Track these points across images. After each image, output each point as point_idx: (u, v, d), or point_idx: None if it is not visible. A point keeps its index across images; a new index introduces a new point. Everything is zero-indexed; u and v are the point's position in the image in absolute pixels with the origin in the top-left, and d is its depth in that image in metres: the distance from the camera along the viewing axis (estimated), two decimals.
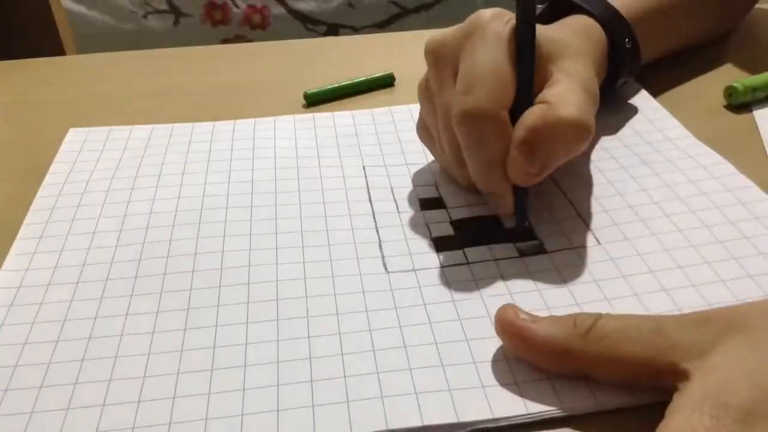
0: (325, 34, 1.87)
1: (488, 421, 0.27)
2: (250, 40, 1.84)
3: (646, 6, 0.46)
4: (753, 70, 0.51)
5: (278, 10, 1.86)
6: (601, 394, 0.27)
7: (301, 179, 0.42)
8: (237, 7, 1.85)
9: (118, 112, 0.52)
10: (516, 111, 0.34)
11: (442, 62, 0.37)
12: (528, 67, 0.35)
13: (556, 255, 0.35)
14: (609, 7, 0.44)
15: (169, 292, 0.34)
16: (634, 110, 0.47)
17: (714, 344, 0.24)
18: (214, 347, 0.31)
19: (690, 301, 0.31)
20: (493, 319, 0.30)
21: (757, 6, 0.59)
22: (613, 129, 0.45)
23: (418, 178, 0.42)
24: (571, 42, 0.38)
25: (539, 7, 0.45)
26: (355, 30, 1.90)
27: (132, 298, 0.33)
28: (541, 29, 0.37)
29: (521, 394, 0.28)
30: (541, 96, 0.34)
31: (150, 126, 0.48)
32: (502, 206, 0.36)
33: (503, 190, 0.35)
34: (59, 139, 0.48)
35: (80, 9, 1.79)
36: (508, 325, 0.29)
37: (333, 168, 0.43)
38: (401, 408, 0.27)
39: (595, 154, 0.43)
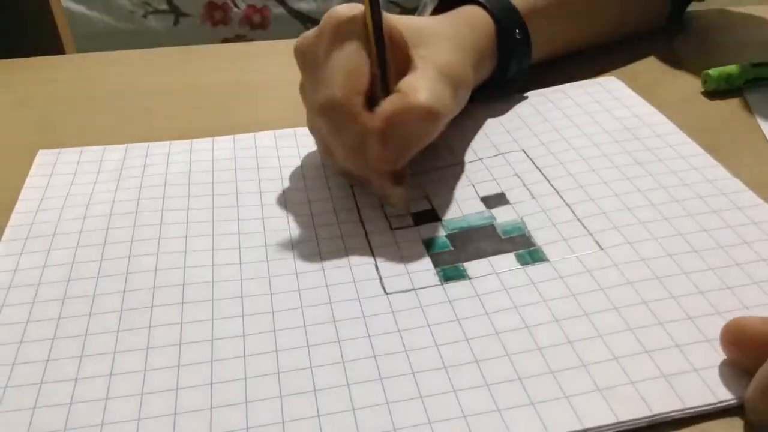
0: None
1: None
2: (250, 40, 1.84)
3: (537, 2, 0.47)
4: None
5: (278, 10, 1.86)
6: None
7: (289, 204, 0.40)
8: (237, 7, 1.85)
9: (118, 112, 0.52)
10: (376, 101, 0.36)
11: (307, 63, 0.39)
12: (380, 57, 0.37)
13: (558, 263, 0.34)
14: (504, 3, 0.46)
15: (158, 326, 0.32)
16: (619, 106, 0.47)
17: None
18: (211, 384, 0.29)
19: (699, 310, 0.31)
20: (500, 338, 0.30)
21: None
22: (601, 124, 0.45)
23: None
24: (439, 29, 0.40)
25: (430, 5, 0.48)
26: None
27: (119, 334, 0.32)
28: (404, 19, 0.39)
29: (542, 418, 0.27)
30: (398, 85, 0.36)
31: (123, 146, 0.46)
32: (375, 190, 0.38)
33: (369, 174, 0.37)
34: (59, 139, 0.48)
35: (80, 9, 1.79)
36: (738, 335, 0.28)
37: (320, 190, 0.41)
38: None
39: (587, 152, 0.43)
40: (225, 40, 1.85)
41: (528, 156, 0.42)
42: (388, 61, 0.37)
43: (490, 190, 0.40)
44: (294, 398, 0.28)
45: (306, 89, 0.40)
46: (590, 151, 0.42)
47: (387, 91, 0.37)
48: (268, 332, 0.31)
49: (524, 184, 0.40)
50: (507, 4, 0.46)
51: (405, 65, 0.38)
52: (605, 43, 0.54)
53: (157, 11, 1.84)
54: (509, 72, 0.46)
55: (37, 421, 0.28)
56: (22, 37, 1.17)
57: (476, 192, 0.40)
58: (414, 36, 0.38)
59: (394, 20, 0.38)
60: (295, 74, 0.57)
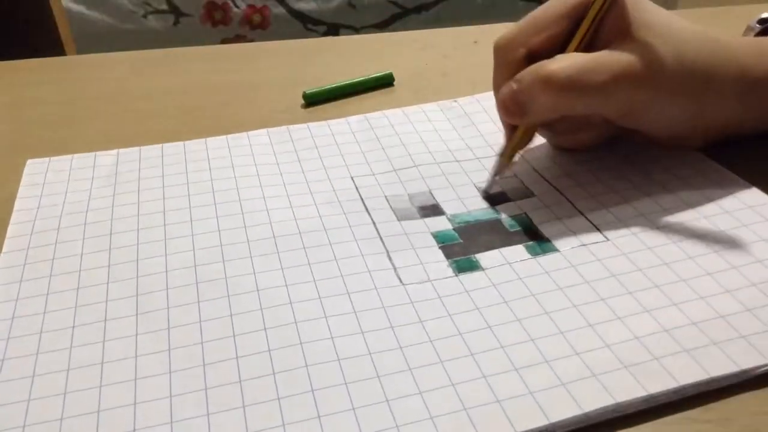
0: (325, 34, 1.88)
1: (544, 427, 0.26)
2: (250, 40, 1.84)
3: None
4: None
5: (278, 10, 1.86)
6: None
7: (291, 195, 0.40)
8: (237, 7, 1.85)
9: (118, 111, 0.52)
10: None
11: (505, 62, 0.39)
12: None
13: (568, 253, 0.35)
14: None
15: (177, 327, 0.32)
16: None
17: None
18: (240, 381, 0.29)
19: (710, 290, 0.32)
20: (522, 324, 0.31)
21: None
22: None
23: (410, 185, 0.41)
24: (675, 40, 0.36)
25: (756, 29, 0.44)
26: (355, 30, 1.90)
27: (138, 338, 0.31)
28: (650, 10, 0.37)
29: (574, 396, 0.28)
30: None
31: (115, 151, 0.45)
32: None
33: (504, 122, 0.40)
34: (59, 140, 0.48)
35: (80, 9, 1.79)
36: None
37: (321, 182, 0.42)
38: (452, 428, 0.27)
39: (583, 154, 0.43)
40: (225, 40, 1.85)
41: (524, 158, 0.43)
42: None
43: (491, 189, 0.41)
44: (325, 392, 0.28)
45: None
46: (586, 154, 0.43)
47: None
48: (289, 324, 0.32)
49: (524, 184, 0.41)
50: None
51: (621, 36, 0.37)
52: None
53: (157, 11, 1.84)
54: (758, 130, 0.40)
55: (66, 429, 0.27)
56: (22, 38, 1.17)
57: (477, 190, 0.41)
58: (633, 30, 0.36)
59: (634, 6, 0.37)
60: (294, 74, 0.56)
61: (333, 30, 1.89)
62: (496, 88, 0.39)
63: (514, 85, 0.37)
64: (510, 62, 0.38)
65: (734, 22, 0.58)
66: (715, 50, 0.37)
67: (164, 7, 1.84)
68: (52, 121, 0.51)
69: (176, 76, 0.58)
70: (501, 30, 0.40)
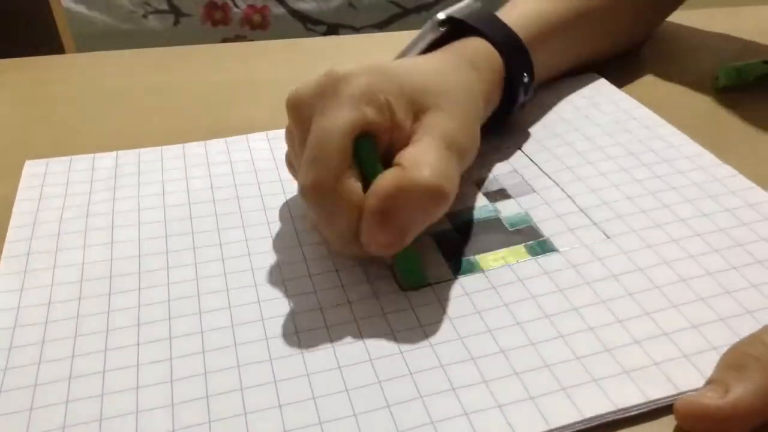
0: (325, 34, 1.87)
1: None
2: (250, 40, 1.84)
3: (540, 28, 0.45)
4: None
5: (278, 10, 1.86)
6: None
7: (291, 205, 0.40)
8: (237, 7, 1.85)
9: (118, 111, 0.52)
10: (369, 176, 0.32)
11: (299, 120, 0.34)
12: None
13: (568, 253, 0.35)
14: (508, 33, 0.42)
15: (179, 337, 0.32)
16: (605, 101, 0.48)
17: None
18: (241, 389, 0.29)
19: (710, 291, 0.32)
20: (523, 328, 0.30)
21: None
22: (591, 119, 0.46)
23: None
24: (445, 83, 0.36)
25: (437, 31, 0.43)
26: (355, 30, 1.90)
27: (140, 347, 0.31)
28: (412, 68, 0.36)
29: (573, 400, 0.27)
30: (396, 158, 0.32)
31: (114, 153, 0.45)
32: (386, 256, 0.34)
33: (366, 257, 0.33)
34: (59, 139, 0.48)
35: (80, 9, 1.79)
36: (709, 415, 0.25)
37: None
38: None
39: (580, 145, 0.43)
40: (225, 40, 1.85)
41: (524, 152, 0.43)
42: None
43: (491, 186, 0.41)
44: (326, 399, 0.28)
45: (295, 149, 0.36)
46: (583, 145, 0.43)
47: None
48: (291, 334, 0.31)
49: (524, 179, 0.41)
50: (513, 40, 0.42)
51: (404, 134, 0.34)
52: (604, 60, 0.53)
53: (157, 11, 1.84)
54: (512, 112, 0.44)
55: None
56: (22, 37, 1.17)
57: (476, 187, 0.40)
58: (419, 97, 0.34)
59: (401, 83, 0.34)
60: (294, 74, 0.57)
61: (333, 30, 1.89)
62: (329, 233, 0.33)
63: (374, 220, 0.31)
64: (341, 206, 0.32)
65: (741, 23, 0.58)
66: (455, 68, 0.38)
67: (164, 7, 1.84)
68: (52, 120, 0.51)
69: (176, 76, 0.58)
70: None
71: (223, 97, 0.54)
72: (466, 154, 0.35)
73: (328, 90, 0.33)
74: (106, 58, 0.62)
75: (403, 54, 0.45)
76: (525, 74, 0.42)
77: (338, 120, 0.32)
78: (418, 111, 0.34)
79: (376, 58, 0.58)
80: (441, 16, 0.43)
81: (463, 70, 0.39)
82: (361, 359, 0.30)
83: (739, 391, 0.25)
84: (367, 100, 0.32)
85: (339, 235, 0.33)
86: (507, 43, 0.42)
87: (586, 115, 0.46)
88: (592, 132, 0.44)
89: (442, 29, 0.43)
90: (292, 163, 0.39)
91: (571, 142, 0.43)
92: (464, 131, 0.35)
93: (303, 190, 0.32)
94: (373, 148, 0.33)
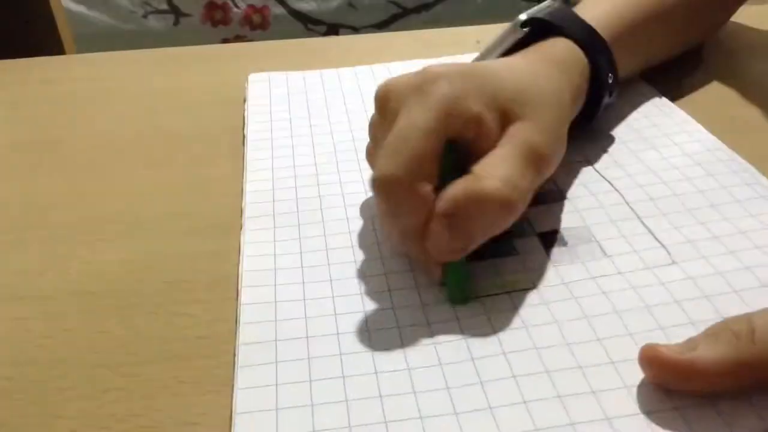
0: (325, 34, 1.87)
1: None
2: (250, 40, 1.84)
3: (619, 27, 0.44)
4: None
5: (278, 10, 1.86)
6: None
7: None
8: (237, 7, 1.85)
9: (118, 111, 0.52)
10: (446, 180, 0.32)
11: (385, 111, 0.34)
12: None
13: (629, 275, 0.33)
14: (591, 33, 0.42)
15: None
16: (661, 118, 0.46)
17: None
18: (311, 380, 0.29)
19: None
20: (571, 349, 0.29)
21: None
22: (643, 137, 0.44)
23: None
24: (537, 90, 0.36)
25: (521, 32, 0.42)
26: (355, 30, 1.90)
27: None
28: (507, 74, 0.36)
29: (654, 424, 0.26)
30: (474, 166, 0.32)
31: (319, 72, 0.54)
32: (428, 274, 0.34)
33: (421, 259, 0.33)
34: (59, 139, 0.48)
35: (80, 9, 1.79)
36: (668, 364, 0.26)
37: None
38: None
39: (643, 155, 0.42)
40: (225, 40, 1.85)
41: (591, 164, 0.42)
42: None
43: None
44: (392, 399, 0.28)
45: (377, 140, 0.36)
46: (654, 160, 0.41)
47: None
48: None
49: (589, 192, 0.39)
50: (596, 39, 0.41)
51: (491, 140, 0.33)
52: (668, 60, 0.52)
53: (157, 11, 1.84)
54: (597, 114, 0.43)
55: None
56: (22, 37, 1.17)
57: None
58: (510, 104, 0.34)
59: (494, 89, 0.34)
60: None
61: (333, 30, 1.89)
62: (394, 228, 0.34)
63: (442, 223, 0.31)
64: (414, 203, 0.32)
65: (746, 23, 0.58)
66: (544, 71, 0.38)
67: (164, 7, 1.84)
68: (51, 120, 0.51)
69: (176, 76, 0.58)
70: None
71: (223, 97, 0.54)
72: (548, 165, 0.34)
73: (421, 88, 0.33)
74: (106, 58, 0.62)
75: (483, 56, 0.43)
76: (610, 75, 0.42)
77: (424, 121, 0.32)
78: (507, 120, 0.34)
79: (376, 58, 0.58)
80: (523, 17, 0.42)
81: (554, 75, 0.38)
82: (431, 363, 0.30)
83: (702, 353, 0.26)
84: (457, 109, 0.33)
85: (401, 232, 0.33)
86: (592, 43, 0.41)
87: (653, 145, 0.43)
88: (661, 142, 0.43)
89: (524, 30, 0.42)
90: (371, 154, 0.39)
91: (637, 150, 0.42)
92: (550, 142, 0.34)
93: (376, 181, 0.32)
94: (454, 155, 0.33)
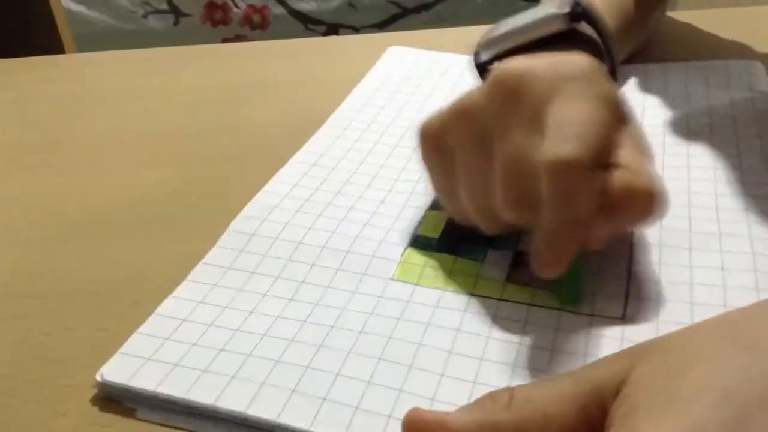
0: (325, 34, 1.88)
1: None
2: (250, 40, 1.84)
3: (622, 19, 0.45)
4: None
5: (278, 10, 1.86)
6: None
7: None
8: (237, 7, 1.85)
9: (118, 111, 0.52)
10: None
11: (523, 100, 0.32)
12: None
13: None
14: (611, 35, 0.40)
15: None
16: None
17: (630, 371, 0.22)
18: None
19: None
20: None
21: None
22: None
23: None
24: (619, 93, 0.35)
25: (560, 21, 0.39)
26: (355, 30, 1.90)
27: None
28: (601, 83, 0.34)
29: None
30: (619, 158, 0.31)
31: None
32: (554, 265, 0.31)
33: (570, 253, 0.31)
34: (59, 139, 0.48)
35: (80, 9, 1.79)
36: (421, 423, 0.24)
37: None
38: None
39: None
40: (225, 40, 1.85)
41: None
42: None
43: None
44: None
45: (480, 127, 0.33)
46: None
47: None
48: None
49: None
50: (611, 44, 0.40)
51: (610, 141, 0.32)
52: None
53: (157, 11, 1.84)
54: None
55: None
56: (22, 37, 1.17)
57: None
58: (624, 107, 0.33)
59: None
60: (294, 74, 0.56)
61: (333, 30, 1.89)
62: (557, 216, 0.30)
63: (555, 214, 0.30)
64: (592, 188, 0.30)
65: (740, 25, 0.58)
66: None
67: (164, 7, 1.84)
68: (51, 120, 0.51)
69: (176, 76, 0.58)
70: None
71: (223, 97, 0.54)
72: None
73: (574, 77, 0.32)
74: (106, 58, 0.62)
75: (505, 38, 0.40)
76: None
77: (601, 110, 0.31)
78: (620, 119, 0.33)
79: (376, 58, 0.58)
80: (565, 8, 0.39)
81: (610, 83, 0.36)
82: None
83: (456, 413, 0.24)
84: (621, 102, 0.33)
85: (571, 220, 0.31)
86: (609, 50, 0.40)
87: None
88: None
89: (562, 23, 0.39)
90: (443, 191, 0.36)
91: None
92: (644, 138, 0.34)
93: (556, 163, 0.29)
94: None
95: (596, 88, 0.32)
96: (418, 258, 0.35)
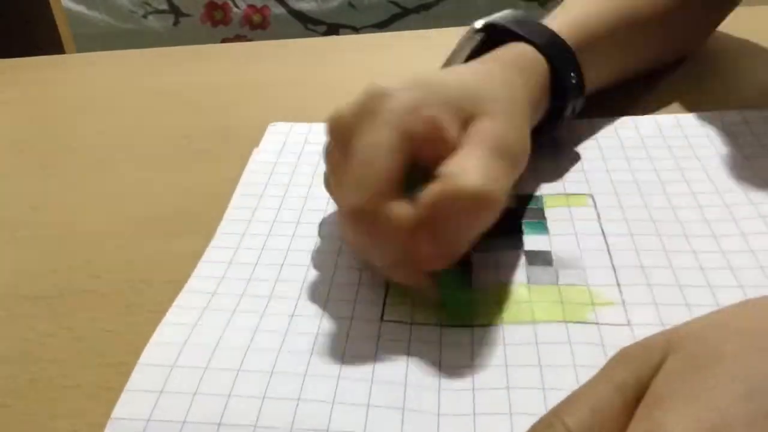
0: (325, 34, 1.87)
1: None
2: (250, 40, 1.84)
3: (587, 32, 0.43)
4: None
5: (278, 10, 1.86)
6: None
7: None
8: (237, 7, 1.85)
9: (118, 112, 0.52)
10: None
11: (341, 141, 0.32)
12: None
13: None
14: (552, 36, 0.41)
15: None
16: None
17: (663, 361, 0.22)
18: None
19: None
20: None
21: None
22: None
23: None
24: (490, 88, 0.35)
25: (475, 39, 0.42)
26: (355, 30, 1.90)
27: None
28: (454, 77, 0.35)
29: None
30: (440, 168, 0.30)
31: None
32: (425, 296, 0.32)
33: (419, 281, 0.31)
34: (59, 139, 0.48)
35: (80, 9, 1.79)
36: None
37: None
38: None
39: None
40: (225, 40, 1.85)
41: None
42: None
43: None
44: None
45: (334, 171, 0.34)
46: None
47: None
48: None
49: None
50: (557, 41, 0.41)
51: (450, 144, 0.32)
52: (647, 72, 0.51)
53: (157, 11, 1.84)
54: (563, 117, 0.42)
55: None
56: (22, 37, 1.17)
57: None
58: (465, 104, 0.33)
59: (447, 93, 0.33)
60: (295, 74, 0.57)
61: (333, 30, 1.89)
62: (375, 255, 0.32)
63: (423, 233, 0.30)
64: (387, 228, 0.30)
65: (737, 26, 0.58)
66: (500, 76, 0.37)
67: (164, 7, 1.84)
68: (52, 121, 0.51)
69: (176, 76, 0.58)
70: None
71: (223, 97, 0.54)
72: (517, 157, 0.33)
73: (370, 108, 0.31)
74: (106, 58, 0.62)
75: (447, 64, 0.43)
76: (573, 74, 0.41)
77: (383, 139, 0.30)
78: (464, 120, 0.32)
79: (376, 58, 0.58)
80: (478, 24, 0.42)
81: (507, 74, 0.37)
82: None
83: None
84: (412, 117, 0.31)
85: (387, 261, 0.31)
86: (550, 44, 0.40)
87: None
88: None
89: (478, 36, 0.42)
90: (330, 184, 0.36)
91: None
92: (513, 134, 0.33)
93: (345, 215, 0.31)
94: (420, 178, 0.31)
95: (389, 112, 0.31)
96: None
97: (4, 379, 0.30)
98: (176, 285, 0.34)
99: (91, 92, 0.55)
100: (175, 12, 1.85)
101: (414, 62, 0.57)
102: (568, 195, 0.39)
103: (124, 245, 0.38)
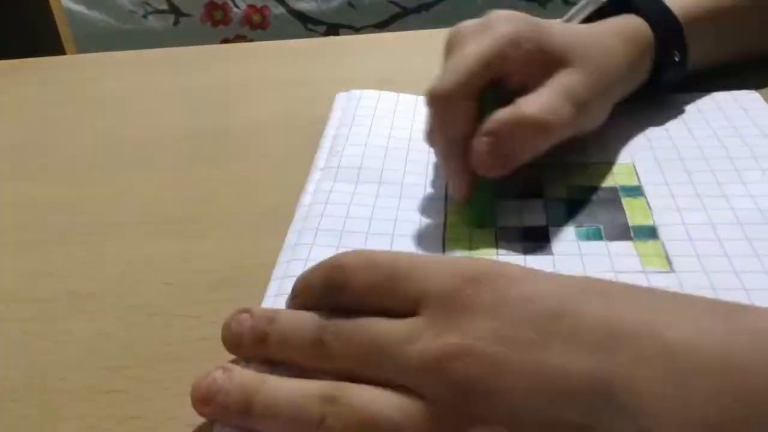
0: (325, 34, 1.87)
1: None
2: (250, 40, 1.83)
3: (702, 10, 0.44)
4: None
5: (278, 10, 1.86)
6: None
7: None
8: (237, 7, 1.85)
9: (118, 112, 0.52)
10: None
11: (453, 46, 0.39)
12: None
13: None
14: (666, 11, 0.43)
15: None
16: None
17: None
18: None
19: None
20: None
21: None
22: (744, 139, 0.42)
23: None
24: (587, 47, 0.39)
25: (590, 6, 0.45)
26: (355, 30, 1.89)
27: None
28: (561, 29, 0.39)
29: None
30: (517, 99, 0.36)
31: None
32: (457, 189, 0.37)
33: (460, 173, 0.37)
34: (59, 139, 0.48)
35: (80, 9, 1.79)
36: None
37: None
38: None
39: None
40: (225, 40, 1.85)
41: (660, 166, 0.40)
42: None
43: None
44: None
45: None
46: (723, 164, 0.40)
47: None
48: None
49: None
50: (668, 14, 0.43)
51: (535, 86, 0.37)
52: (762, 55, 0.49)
53: (157, 11, 1.84)
54: (661, 87, 0.44)
55: None
56: (22, 37, 1.17)
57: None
58: (558, 56, 0.37)
59: (550, 36, 0.38)
60: (294, 74, 0.56)
61: (333, 30, 1.88)
62: (439, 139, 0.38)
63: (486, 139, 0.35)
64: (457, 115, 0.36)
65: None
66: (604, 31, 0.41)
67: (164, 7, 1.84)
68: (51, 120, 0.51)
69: (176, 76, 0.58)
70: None
71: (223, 97, 0.53)
72: (584, 109, 0.37)
73: (485, 26, 0.38)
74: (106, 58, 0.62)
75: (574, 15, 0.46)
76: (676, 52, 0.43)
77: (481, 46, 0.36)
78: (553, 68, 0.37)
79: (376, 58, 0.58)
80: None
81: (609, 41, 0.41)
82: None
83: None
84: (512, 43, 0.37)
85: (446, 143, 0.37)
86: (662, 20, 0.43)
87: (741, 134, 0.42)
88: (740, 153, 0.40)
89: (598, 2, 0.44)
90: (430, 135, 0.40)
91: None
92: (587, 92, 0.37)
93: (429, 93, 0.36)
94: (497, 98, 0.36)
95: (498, 32, 0.37)
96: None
97: (3, 381, 0.30)
98: (175, 286, 0.34)
99: (91, 92, 0.55)
100: (175, 12, 1.85)
101: (414, 62, 0.57)
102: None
103: (123, 246, 0.38)
